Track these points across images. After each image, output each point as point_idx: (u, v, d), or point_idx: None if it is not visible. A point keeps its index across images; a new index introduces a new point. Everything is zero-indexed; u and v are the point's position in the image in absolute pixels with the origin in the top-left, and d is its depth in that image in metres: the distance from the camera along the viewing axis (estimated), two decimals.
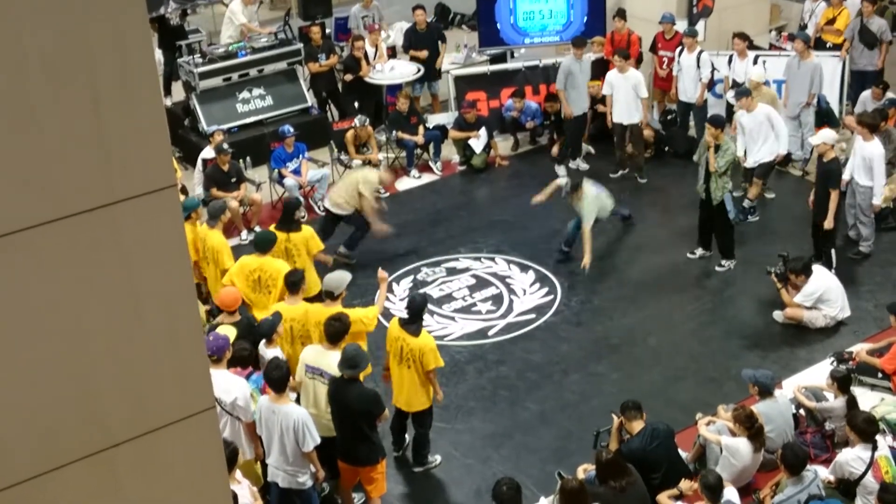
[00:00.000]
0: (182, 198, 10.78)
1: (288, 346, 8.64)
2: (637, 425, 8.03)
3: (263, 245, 9.51)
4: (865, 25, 13.75)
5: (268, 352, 8.24)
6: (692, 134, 13.86)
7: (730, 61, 13.74)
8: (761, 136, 11.86)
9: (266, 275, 9.33)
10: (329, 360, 7.85)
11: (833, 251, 11.07)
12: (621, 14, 14.36)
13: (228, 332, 8.14)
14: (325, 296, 8.69)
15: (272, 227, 9.95)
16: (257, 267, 9.39)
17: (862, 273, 11.20)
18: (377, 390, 8.11)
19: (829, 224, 10.82)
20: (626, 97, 13.10)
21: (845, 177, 11.19)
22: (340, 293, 8.64)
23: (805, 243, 11.34)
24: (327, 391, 7.90)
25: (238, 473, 7.18)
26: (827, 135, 10.93)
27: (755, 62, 13.63)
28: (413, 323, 8.38)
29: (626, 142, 13.41)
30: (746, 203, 12.20)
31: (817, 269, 10.34)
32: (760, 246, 11.77)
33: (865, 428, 7.84)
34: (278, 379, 7.41)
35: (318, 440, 7.47)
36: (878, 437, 7.95)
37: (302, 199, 12.67)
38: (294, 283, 8.86)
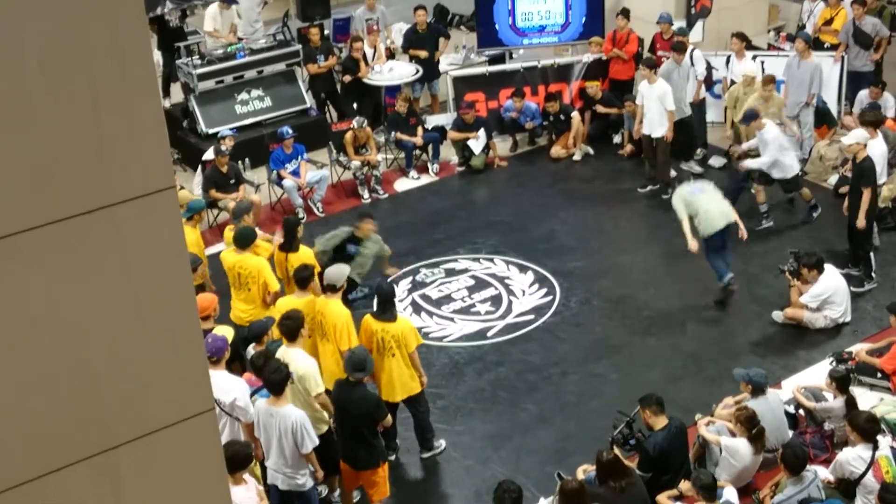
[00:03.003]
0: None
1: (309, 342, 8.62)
2: (661, 421, 8.00)
3: (242, 241, 9.42)
4: (859, 27, 13.79)
5: None
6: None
7: (727, 61, 13.75)
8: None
9: (245, 272, 9.31)
10: (290, 357, 7.83)
11: (872, 254, 10.92)
12: (624, 13, 14.34)
13: (226, 332, 8.14)
14: (326, 289, 8.70)
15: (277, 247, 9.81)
16: (235, 263, 9.37)
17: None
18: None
19: (860, 223, 10.63)
20: (654, 109, 12.74)
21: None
22: (342, 285, 8.69)
23: (803, 242, 11.33)
24: (332, 392, 7.90)
25: (245, 473, 7.16)
26: (859, 134, 10.72)
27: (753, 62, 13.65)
28: (386, 311, 8.47)
29: (654, 155, 12.99)
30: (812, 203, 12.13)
31: (829, 269, 10.26)
32: (760, 247, 11.77)
33: (867, 427, 7.83)
34: (277, 382, 7.39)
35: (317, 441, 7.47)
36: (879, 437, 7.95)
37: (301, 199, 12.72)
38: (303, 279, 8.87)
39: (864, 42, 13.79)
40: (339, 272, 8.76)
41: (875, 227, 11.24)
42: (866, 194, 10.55)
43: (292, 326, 8.03)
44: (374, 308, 8.69)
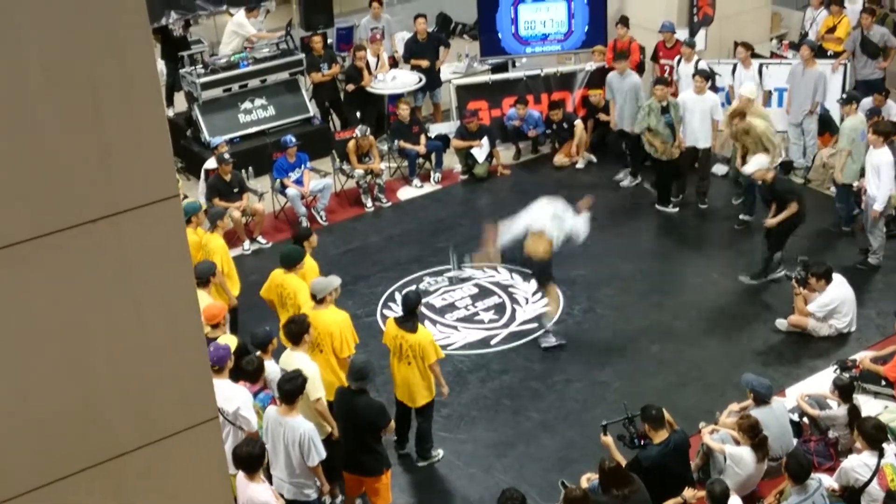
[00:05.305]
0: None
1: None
2: (660, 435, 7.95)
3: (287, 261, 9.29)
4: (866, 37, 13.78)
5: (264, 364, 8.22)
6: None
7: (734, 70, 13.73)
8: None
9: (286, 292, 9.20)
10: (294, 361, 7.83)
11: (773, 258, 11.07)
12: (624, 21, 14.36)
13: (229, 341, 8.14)
14: (311, 298, 8.62)
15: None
16: (280, 283, 9.27)
17: (864, 280, 11.17)
18: (382, 401, 8.10)
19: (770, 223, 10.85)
20: (702, 120, 12.50)
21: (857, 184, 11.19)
22: (324, 297, 8.55)
23: (804, 248, 11.32)
24: (334, 400, 7.90)
25: (261, 473, 7.11)
26: (760, 161, 10.92)
27: (760, 71, 13.63)
28: (408, 320, 8.49)
29: (689, 166, 12.77)
30: None
31: (837, 278, 10.22)
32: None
33: (874, 434, 7.81)
34: (289, 392, 7.37)
35: (324, 455, 7.45)
36: (884, 445, 7.92)
37: (304, 208, 12.72)
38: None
39: (871, 51, 13.78)
40: (324, 283, 8.64)
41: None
42: (791, 208, 10.68)
43: (296, 330, 8.02)
44: (401, 314, 8.70)
